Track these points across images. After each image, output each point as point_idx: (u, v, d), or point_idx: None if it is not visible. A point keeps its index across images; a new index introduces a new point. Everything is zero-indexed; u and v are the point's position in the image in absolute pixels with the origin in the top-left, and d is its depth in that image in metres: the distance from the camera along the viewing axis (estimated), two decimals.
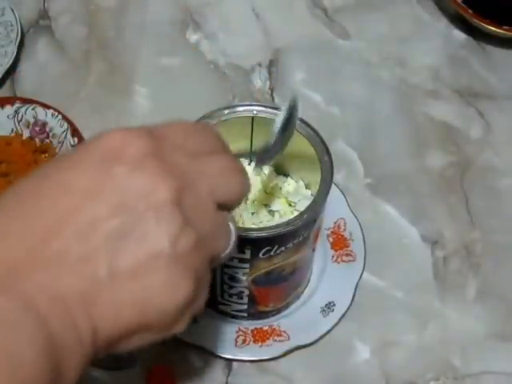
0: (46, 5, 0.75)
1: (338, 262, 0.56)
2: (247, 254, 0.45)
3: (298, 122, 0.48)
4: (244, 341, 0.52)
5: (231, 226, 0.32)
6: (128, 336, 0.28)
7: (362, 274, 0.55)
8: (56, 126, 0.60)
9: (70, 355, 0.26)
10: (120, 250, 0.27)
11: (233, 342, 0.52)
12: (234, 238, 0.33)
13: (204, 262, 0.30)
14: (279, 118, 0.42)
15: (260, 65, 0.70)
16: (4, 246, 0.27)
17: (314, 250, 0.51)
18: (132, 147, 0.29)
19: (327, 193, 0.45)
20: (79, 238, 0.27)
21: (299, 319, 0.53)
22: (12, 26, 0.69)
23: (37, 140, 0.61)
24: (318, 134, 0.47)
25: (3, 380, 0.24)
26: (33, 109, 0.61)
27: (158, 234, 0.28)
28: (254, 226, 0.49)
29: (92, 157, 0.29)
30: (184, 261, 0.28)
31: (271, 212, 0.51)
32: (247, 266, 0.46)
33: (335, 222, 0.57)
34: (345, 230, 0.57)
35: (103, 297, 0.27)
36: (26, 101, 0.62)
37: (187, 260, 0.29)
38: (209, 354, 0.52)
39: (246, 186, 0.33)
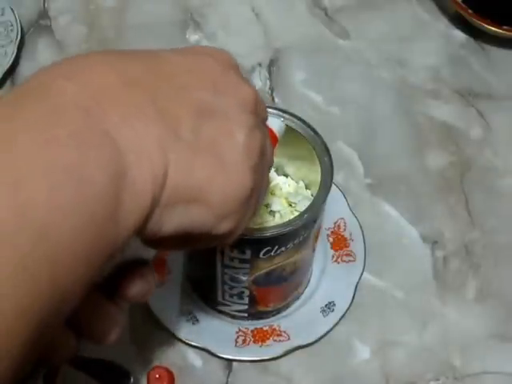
0: (46, 5, 0.75)
1: (338, 262, 0.56)
2: (247, 255, 0.45)
3: (298, 121, 0.48)
4: (244, 341, 0.52)
5: None
6: (186, 202, 0.29)
7: (362, 274, 0.55)
8: None
9: (135, 195, 0.26)
10: (205, 119, 0.29)
11: (233, 342, 0.52)
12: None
13: (265, 170, 0.33)
14: None
15: (260, 65, 0.70)
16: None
17: (314, 250, 0.51)
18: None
19: (327, 193, 0.45)
20: (171, 96, 0.29)
21: (299, 319, 0.53)
22: (12, 25, 0.70)
23: None
24: (318, 134, 0.47)
25: (69, 193, 0.24)
26: None
27: (238, 122, 0.30)
28: (254, 226, 0.49)
29: (194, 48, 0.34)
30: (252, 156, 0.31)
31: (271, 212, 0.51)
32: (248, 266, 0.46)
33: (335, 222, 0.57)
34: (345, 229, 0.57)
35: (178, 151, 0.28)
36: None
37: (255, 157, 0.31)
38: (209, 354, 0.52)
39: None
